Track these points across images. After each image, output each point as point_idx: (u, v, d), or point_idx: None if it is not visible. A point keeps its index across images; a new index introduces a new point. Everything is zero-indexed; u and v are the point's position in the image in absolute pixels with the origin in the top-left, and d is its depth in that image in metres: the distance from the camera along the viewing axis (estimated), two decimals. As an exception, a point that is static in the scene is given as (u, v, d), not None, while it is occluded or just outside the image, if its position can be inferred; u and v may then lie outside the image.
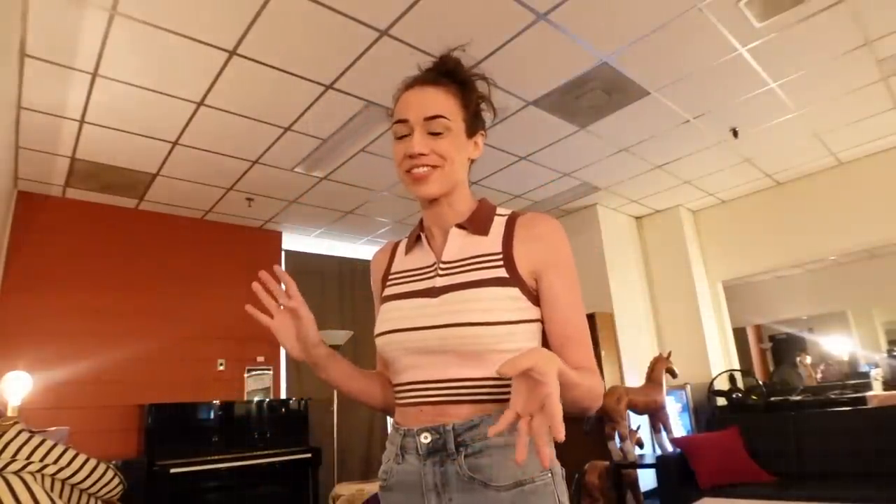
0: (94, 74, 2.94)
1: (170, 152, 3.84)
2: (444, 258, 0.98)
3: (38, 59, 2.78)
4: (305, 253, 5.86)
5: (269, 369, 5.06)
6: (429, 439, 0.89)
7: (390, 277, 1.06)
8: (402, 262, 1.07)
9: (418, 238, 1.05)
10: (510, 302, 0.90)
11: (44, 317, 4.13)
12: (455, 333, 0.89)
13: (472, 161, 1.03)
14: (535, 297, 0.94)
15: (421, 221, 1.07)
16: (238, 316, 5.01)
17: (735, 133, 4.07)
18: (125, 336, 4.43)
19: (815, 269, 5.05)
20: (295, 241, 5.79)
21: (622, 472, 4.15)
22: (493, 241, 0.97)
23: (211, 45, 2.77)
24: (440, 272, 0.97)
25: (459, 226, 1.00)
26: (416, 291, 0.97)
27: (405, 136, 0.97)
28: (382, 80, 3.17)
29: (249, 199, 4.73)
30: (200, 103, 3.28)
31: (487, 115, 1.06)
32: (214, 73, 3.00)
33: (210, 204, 4.80)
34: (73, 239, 4.40)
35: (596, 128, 3.91)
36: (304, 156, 4.01)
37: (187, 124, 3.49)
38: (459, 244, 0.99)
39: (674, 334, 5.49)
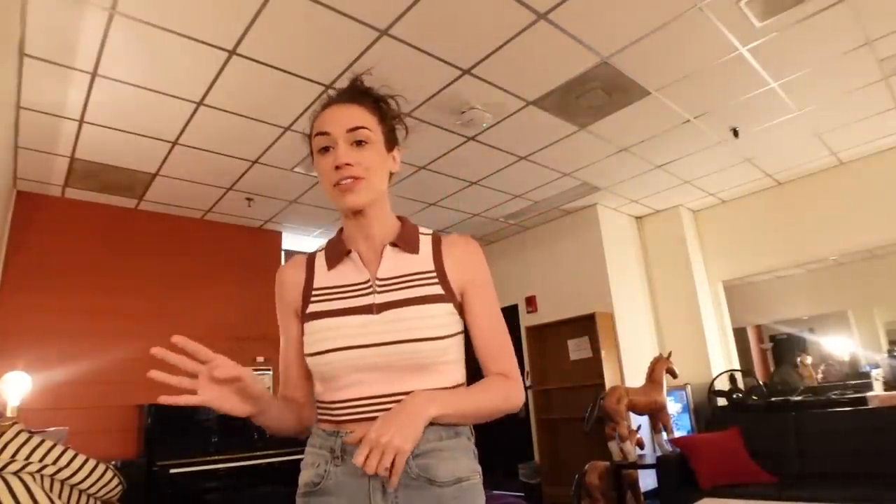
0: (94, 74, 2.93)
1: (169, 152, 3.83)
2: (379, 275, 1.01)
3: (37, 58, 2.78)
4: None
5: (269, 370, 5.05)
6: None
7: (315, 293, 1.03)
8: (326, 277, 1.04)
9: (348, 253, 1.04)
10: (448, 317, 0.99)
11: (43, 317, 4.12)
12: (402, 350, 0.94)
13: (392, 175, 1.08)
14: (461, 310, 1.03)
15: (340, 236, 1.09)
16: (238, 316, 5.01)
17: (735, 133, 4.06)
18: (125, 336, 4.42)
19: (816, 269, 5.04)
20: (295, 241, 5.79)
21: (622, 472, 4.15)
22: (424, 260, 1.03)
23: (211, 45, 2.77)
24: (378, 289, 0.99)
25: (393, 244, 1.03)
26: (354, 308, 0.98)
27: (328, 149, 1.00)
28: (382, 80, 3.16)
29: (249, 199, 4.73)
30: (200, 103, 3.28)
31: (401, 134, 1.12)
32: (214, 73, 3.00)
33: (210, 204, 4.79)
34: (73, 239, 4.40)
35: (596, 128, 3.91)
36: (304, 156, 4.01)
37: (187, 124, 3.49)
38: (394, 261, 1.02)
39: (674, 334, 5.48)
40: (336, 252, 1.06)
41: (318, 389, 1.01)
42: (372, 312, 0.97)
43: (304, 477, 0.98)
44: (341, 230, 1.10)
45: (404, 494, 0.91)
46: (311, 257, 1.10)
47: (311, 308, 1.01)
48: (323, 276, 1.05)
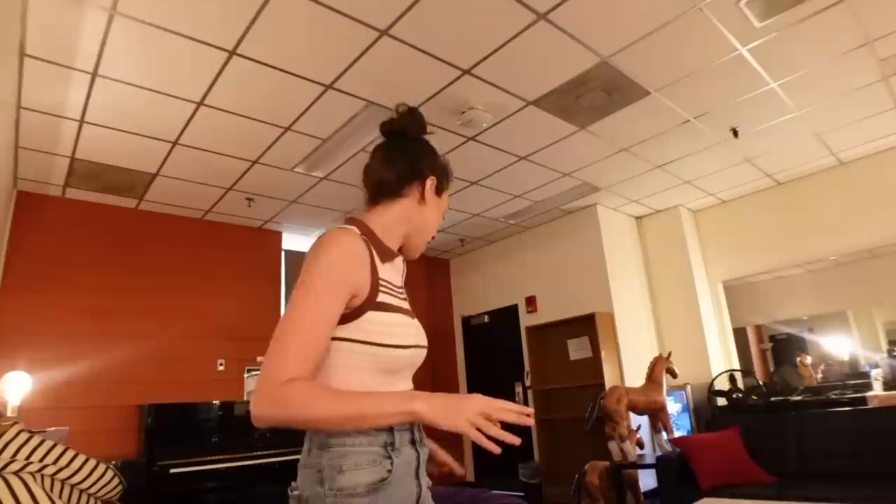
0: (94, 74, 2.94)
1: (169, 152, 3.83)
2: (399, 283, 1.15)
3: (37, 58, 2.78)
4: (305, 253, 5.85)
5: (269, 369, 5.05)
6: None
7: (382, 283, 1.03)
8: (383, 270, 1.06)
9: (393, 256, 1.14)
10: None
11: (44, 317, 4.12)
12: (424, 353, 1.13)
13: None
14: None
15: (375, 235, 1.09)
16: (238, 316, 5.01)
17: (735, 133, 4.07)
18: (125, 336, 4.43)
19: (816, 269, 5.04)
20: (295, 241, 5.79)
21: (622, 472, 4.15)
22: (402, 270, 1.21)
23: (211, 45, 2.77)
24: (404, 296, 1.14)
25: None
26: (408, 310, 1.12)
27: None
28: (382, 80, 3.17)
29: (249, 199, 4.73)
30: (200, 103, 3.28)
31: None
32: (214, 73, 3.00)
33: (210, 204, 4.79)
34: (73, 239, 4.40)
35: (596, 128, 3.91)
36: (304, 156, 4.01)
37: (187, 124, 3.49)
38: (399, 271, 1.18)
39: (674, 334, 5.48)
40: (383, 249, 1.08)
41: (369, 382, 0.98)
42: (412, 317, 1.11)
43: (366, 476, 0.94)
44: (363, 222, 1.09)
45: (421, 470, 1.07)
46: (365, 240, 1.03)
47: (383, 298, 1.01)
48: (381, 268, 1.05)
